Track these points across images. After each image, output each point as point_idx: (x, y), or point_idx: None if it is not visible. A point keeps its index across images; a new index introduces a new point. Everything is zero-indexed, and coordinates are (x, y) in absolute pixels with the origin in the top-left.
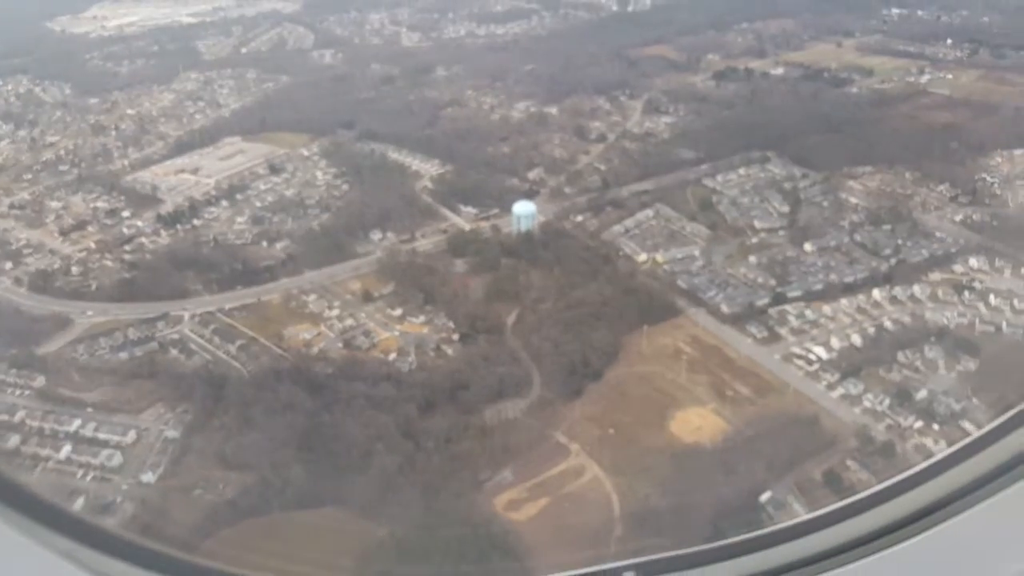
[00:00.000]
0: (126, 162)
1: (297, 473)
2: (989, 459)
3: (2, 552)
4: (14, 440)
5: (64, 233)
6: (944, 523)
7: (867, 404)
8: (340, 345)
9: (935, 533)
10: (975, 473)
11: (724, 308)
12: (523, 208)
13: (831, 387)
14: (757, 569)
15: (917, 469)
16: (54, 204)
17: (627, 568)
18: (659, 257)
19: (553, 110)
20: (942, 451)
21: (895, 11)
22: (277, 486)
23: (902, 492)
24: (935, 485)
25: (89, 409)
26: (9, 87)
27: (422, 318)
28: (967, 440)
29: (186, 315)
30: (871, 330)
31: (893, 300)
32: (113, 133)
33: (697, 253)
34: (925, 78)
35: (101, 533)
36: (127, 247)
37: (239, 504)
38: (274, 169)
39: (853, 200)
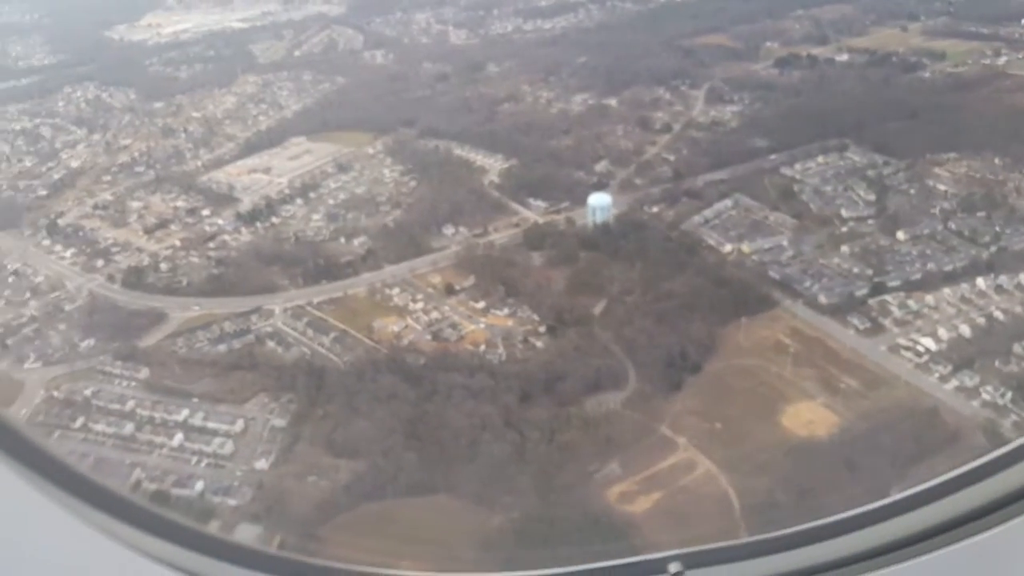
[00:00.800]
0: (199, 163)
1: (407, 461)
2: None
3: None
4: (129, 427)
5: (148, 231)
6: (980, 534)
7: (986, 397)
8: (428, 337)
9: (971, 543)
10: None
11: (822, 299)
12: (599, 200)
13: (944, 379)
14: (795, 566)
15: (956, 474)
16: (135, 204)
17: (672, 559)
18: (745, 247)
19: (612, 102)
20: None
21: None
22: (389, 473)
23: (944, 495)
24: (974, 492)
25: (195, 399)
26: (78, 94)
27: (505, 311)
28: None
29: (276, 309)
30: (980, 320)
31: (999, 289)
32: (183, 135)
33: (785, 243)
34: (1002, 60)
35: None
36: (211, 244)
37: (353, 490)
38: (342, 168)
39: (941, 187)
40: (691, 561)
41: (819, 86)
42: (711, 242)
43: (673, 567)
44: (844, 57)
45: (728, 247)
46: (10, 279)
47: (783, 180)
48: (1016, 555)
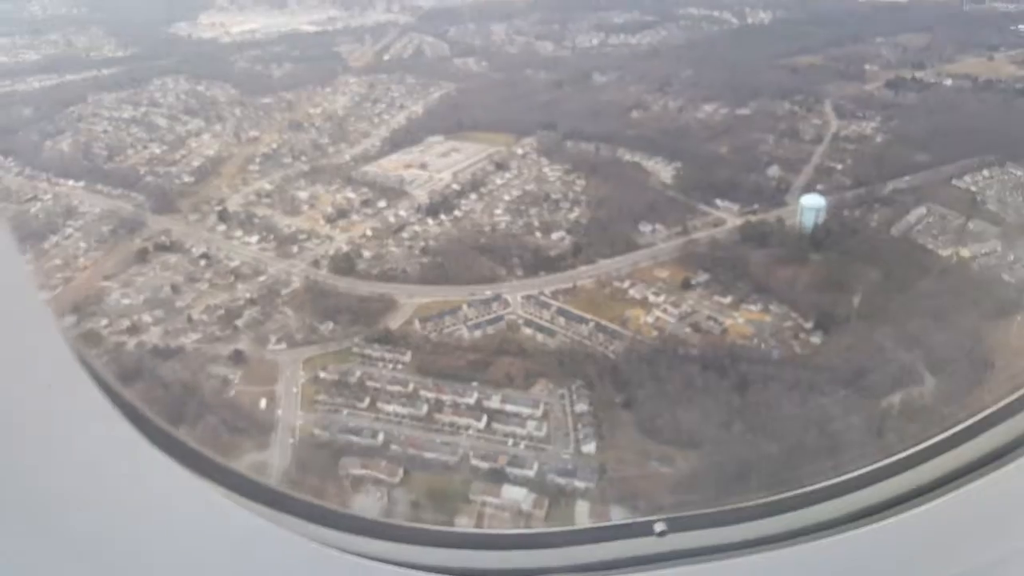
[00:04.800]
0: (346, 157)
1: (748, 451)
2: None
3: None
4: (423, 408)
5: (330, 220)
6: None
7: None
8: (688, 329)
9: (952, 498)
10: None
11: None
12: (812, 201)
13: None
14: (775, 530)
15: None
16: (302, 194)
17: (657, 521)
18: (964, 252)
19: (745, 112)
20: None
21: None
22: (732, 463)
23: (926, 459)
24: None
25: (474, 383)
26: (171, 86)
27: (758, 306)
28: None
29: (509, 298)
30: None
31: None
32: (313, 130)
33: (999, 248)
34: None
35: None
36: (404, 234)
37: (703, 478)
38: (500, 166)
39: None
40: (675, 525)
41: (942, 107)
42: (929, 246)
43: (658, 527)
44: (948, 82)
45: (946, 251)
46: (201, 262)
47: (959, 191)
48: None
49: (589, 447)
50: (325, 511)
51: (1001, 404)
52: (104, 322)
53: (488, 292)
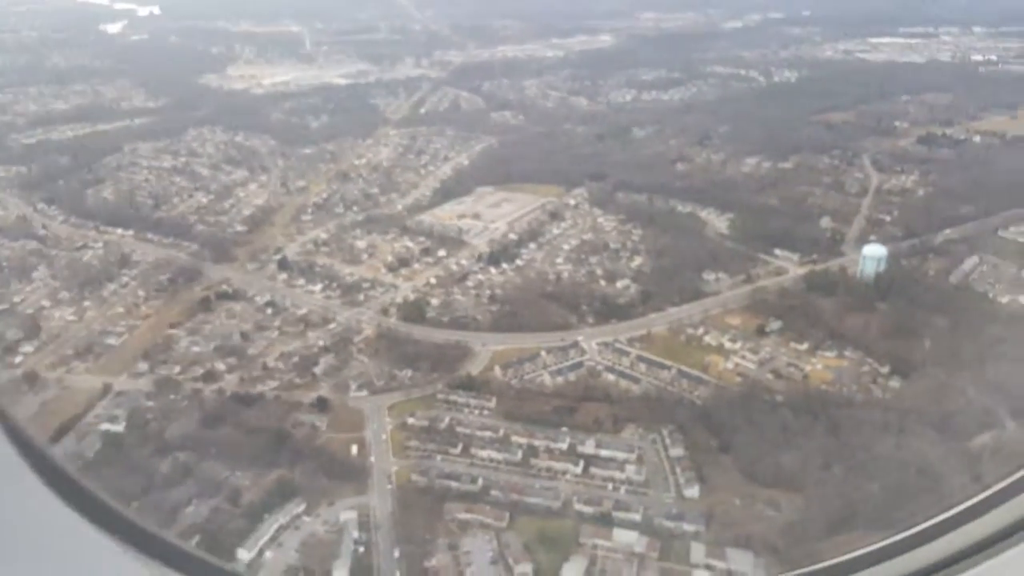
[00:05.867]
0: (398, 207)
1: (854, 493)
2: None
3: None
4: (517, 454)
5: (392, 269)
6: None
7: None
8: (769, 375)
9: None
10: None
11: None
12: (874, 251)
13: None
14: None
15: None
16: (359, 243)
17: None
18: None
19: (788, 165)
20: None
21: None
22: (840, 505)
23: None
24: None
25: (563, 428)
26: (207, 136)
27: (833, 352)
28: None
29: (585, 344)
30: None
31: None
32: (360, 180)
33: None
34: None
35: None
36: (469, 283)
37: (813, 521)
38: (553, 216)
39: None
40: None
41: (975, 162)
42: (989, 294)
43: None
44: (977, 138)
45: (1005, 298)
46: (268, 310)
47: (1007, 241)
48: None
49: (692, 491)
50: None
51: None
52: (176, 369)
53: (563, 339)
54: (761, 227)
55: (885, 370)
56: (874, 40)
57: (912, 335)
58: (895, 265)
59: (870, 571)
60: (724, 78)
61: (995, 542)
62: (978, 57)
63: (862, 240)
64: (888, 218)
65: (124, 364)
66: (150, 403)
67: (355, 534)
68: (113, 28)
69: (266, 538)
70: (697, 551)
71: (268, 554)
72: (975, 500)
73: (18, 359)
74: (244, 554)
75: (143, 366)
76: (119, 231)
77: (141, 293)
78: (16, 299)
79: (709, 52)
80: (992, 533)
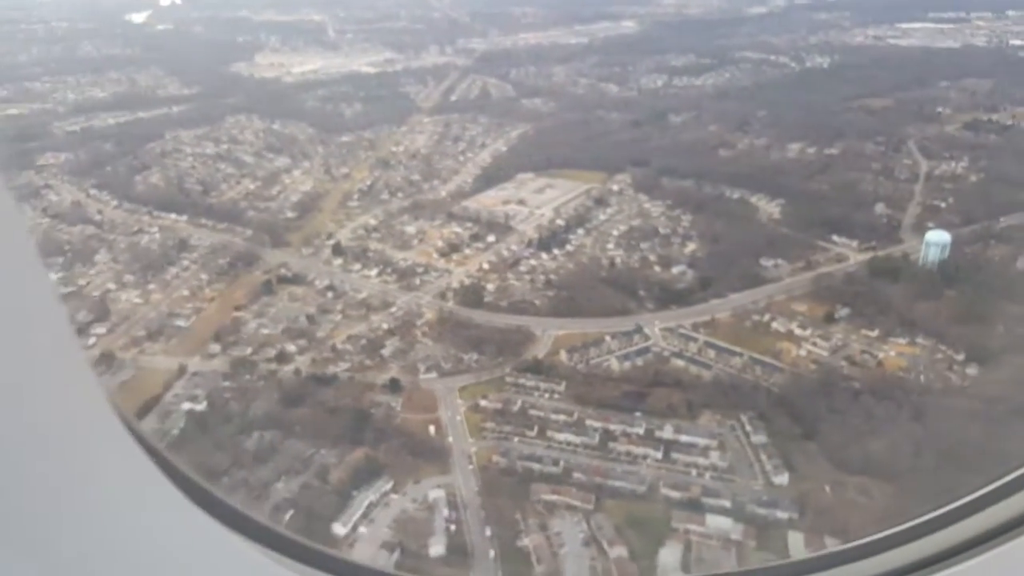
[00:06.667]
0: (443, 193)
1: (947, 481)
2: None
3: None
4: (596, 438)
5: (443, 255)
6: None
7: None
8: (843, 362)
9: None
10: None
11: None
12: (937, 237)
13: None
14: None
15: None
16: (408, 229)
17: None
18: None
19: (834, 151)
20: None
21: None
22: (933, 495)
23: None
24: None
25: (637, 413)
26: (245, 123)
27: (905, 339)
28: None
29: (647, 330)
30: None
31: None
32: (401, 167)
33: None
34: None
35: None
36: (522, 268)
37: (906, 510)
38: (599, 202)
39: None
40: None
41: None
42: None
43: None
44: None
45: None
46: (329, 294)
47: None
48: None
49: (781, 478)
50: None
51: None
52: (248, 350)
53: (624, 325)
54: (815, 213)
55: (960, 357)
56: (903, 25)
57: (984, 321)
58: (958, 252)
59: (871, 560)
60: (756, 63)
61: (997, 535)
62: (1016, 42)
63: (919, 226)
64: (943, 204)
65: (196, 345)
66: (227, 383)
67: (445, 512)
68: (138, 17)
69: (359, 514)
70: (795, 539)
71: (362, 529)
72: (977, 494)
73: (91, 340)
74: (339, 528)
75: (215, 347)
76: (172, 216)
77: (204, 276)
78: (81, 282)
79: (736, 38)
80: (996, 526)
